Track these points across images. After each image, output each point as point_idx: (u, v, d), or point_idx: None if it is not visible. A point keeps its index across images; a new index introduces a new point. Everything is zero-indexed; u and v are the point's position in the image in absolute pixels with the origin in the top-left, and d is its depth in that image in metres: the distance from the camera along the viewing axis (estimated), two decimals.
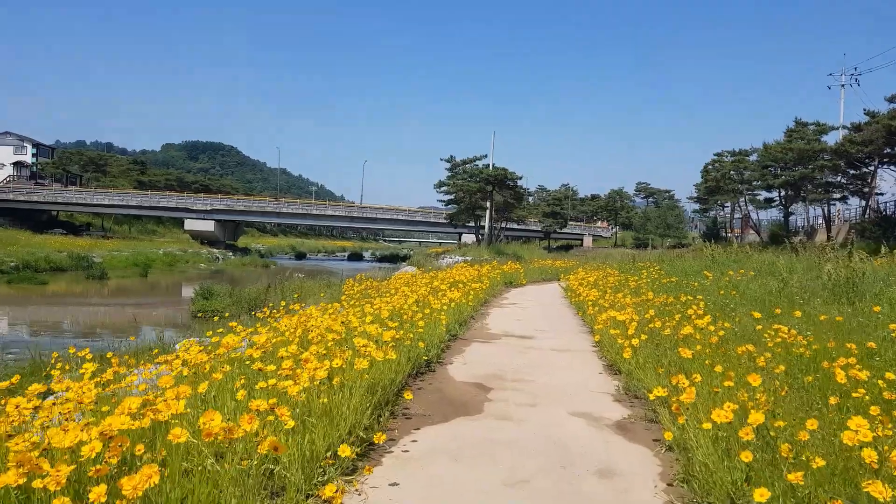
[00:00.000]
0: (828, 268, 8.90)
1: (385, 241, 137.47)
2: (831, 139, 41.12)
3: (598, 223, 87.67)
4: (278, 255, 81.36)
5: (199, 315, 18.66)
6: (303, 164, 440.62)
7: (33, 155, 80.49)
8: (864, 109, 35.04)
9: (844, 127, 37.71)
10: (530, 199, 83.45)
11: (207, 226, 64.08)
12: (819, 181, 40.52)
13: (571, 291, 14.00)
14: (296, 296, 16.02)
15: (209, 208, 64.45)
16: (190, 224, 64.55)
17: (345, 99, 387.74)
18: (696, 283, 11.90)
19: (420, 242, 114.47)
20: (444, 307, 8.11)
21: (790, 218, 48.27)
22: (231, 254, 61.94)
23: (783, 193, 45.42)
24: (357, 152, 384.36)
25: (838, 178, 38.91)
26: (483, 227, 47.72)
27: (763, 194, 50.51)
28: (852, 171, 37.08)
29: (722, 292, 9.24)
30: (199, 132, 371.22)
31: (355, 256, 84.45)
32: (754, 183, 50.60)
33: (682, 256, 25.52)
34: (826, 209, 42.61)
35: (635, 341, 5.32)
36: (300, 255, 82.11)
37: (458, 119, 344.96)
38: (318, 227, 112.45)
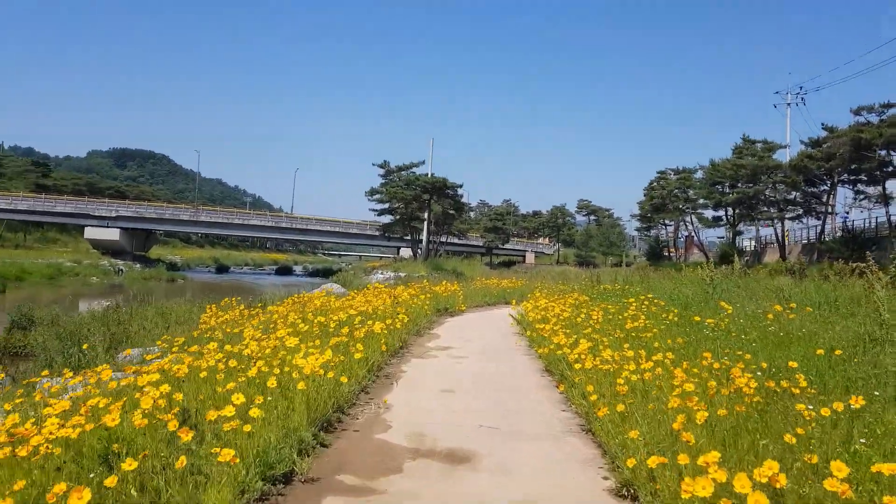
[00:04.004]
0: None
1: (324, 254, 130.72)
2: (779, 158, 39.61)
3: (540, 240, 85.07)
4: (198, 267, 74.28)
5: (6, 352, 13.32)
6: (240, 175, 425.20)
7: None
8: (823, 124, 32.84)
9: (803, 142, 35.56)
10: (472, 214, 79.92)
11: (111, 234, 56.84)
12: (772, 199, 38.77)
13: (532, 329, 9.51)
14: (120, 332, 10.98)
15: (114, 215, 57.26)
16: (91, 232, 57.15)
17: (281, 108, 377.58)
18: (723, 324, 7.69)
19: (360, 256, 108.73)
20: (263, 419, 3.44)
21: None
22: (139, 266, 54.94)
23: (732, 212, 43.61)
24: (296, 163, 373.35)
25: (793, 196, 36.78)
26: (421, 241, 43.15)
27: (710, 213, 48.82)
28: (811, 189, 34.84)
29: (837, 352, 4.97)
30: (128, 139, 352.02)
31: (284, 270, 78.18)
32: (700, 201, 48.98)
33: (648, 276, 21.77)
34: (781, 228, 40.68)
35: None
36: (222, 269, 75.18)
37: (398, 133, 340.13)
38: (251, 238, 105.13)
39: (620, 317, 8.33)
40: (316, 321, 6.80)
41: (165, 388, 3.47)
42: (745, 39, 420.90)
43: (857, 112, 31.57)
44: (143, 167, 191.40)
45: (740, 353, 5.56)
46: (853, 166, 30.91)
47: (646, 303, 9.50)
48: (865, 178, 32.19)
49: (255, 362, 4.40)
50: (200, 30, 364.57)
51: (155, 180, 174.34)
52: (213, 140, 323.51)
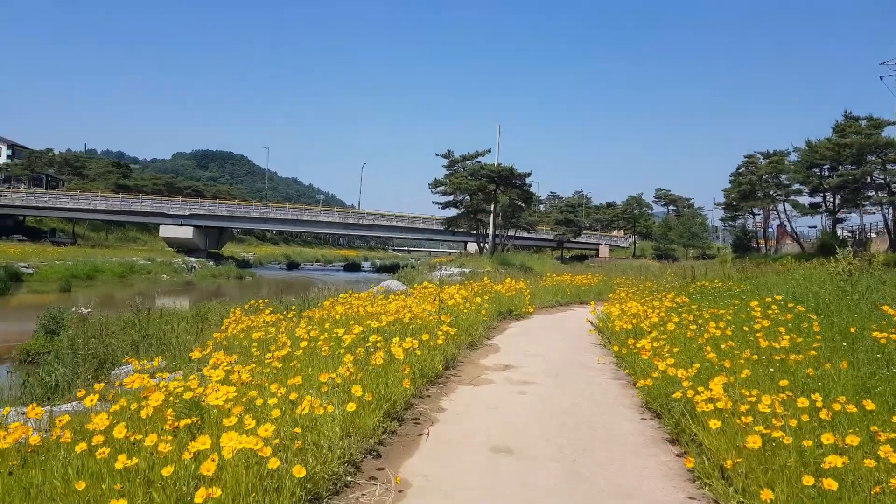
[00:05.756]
0: None
1: (394, 250, 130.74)
2: (887, 135, 35.51)
3: (614, 232, 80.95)
4: (269, 264, 75.30)
5: (29, 359, 12.31)
6: (314, 173, 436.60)
7: (8, 157, 74.97)
8: None
9: None
10: (541, 206, 76.95)
11: (185, 232, 57.86)
12: (881, 181, 34.83)
13: (619, 343, 7.29)
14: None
15: (187, 213, 58.26)
16: (166, 231, 58.43)
17: (351, 105, 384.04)
18: None
19: (430, 252, 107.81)
20: None
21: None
22: (212, 263, 55.60)
23: (832, 197, 39.60)
24: (366, 159, 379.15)
25: None
26: (487, 235, 41.07)
27: (805, 199, 44.75)
28: None
29: None
30: (210, 141, 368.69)
31: (352, 267, 78.12)
32: (794, 187, 45.13)
33: (748, 271, 18.90)
34: (892, 213, 36.28)
35: None
36: (292, 265, 75.92)
37: (465, 123, 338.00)
38: (323, 235, 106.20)
39: (745, 328, 6.02)
40: (322, 338, 4.96)
41: None
42: (842, 8, 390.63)
43: None
44: (223, 168, 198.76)
45: None
46: None
47: (773, 306, 7.09)
48: None
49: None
50: (280, 37, 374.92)
51: (235, 180, 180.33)
52: (288, 139, 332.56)
